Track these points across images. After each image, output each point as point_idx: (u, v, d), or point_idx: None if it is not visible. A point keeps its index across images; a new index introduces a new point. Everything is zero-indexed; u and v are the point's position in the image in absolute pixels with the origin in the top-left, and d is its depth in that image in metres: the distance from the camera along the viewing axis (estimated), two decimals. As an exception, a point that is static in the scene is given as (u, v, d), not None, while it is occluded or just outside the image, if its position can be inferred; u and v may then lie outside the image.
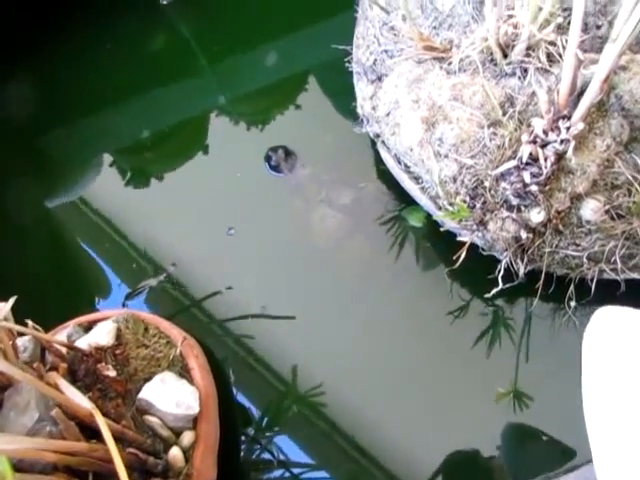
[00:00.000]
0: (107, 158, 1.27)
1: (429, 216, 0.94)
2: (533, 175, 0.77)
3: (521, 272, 0.83)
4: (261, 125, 1.24)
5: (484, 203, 0.82)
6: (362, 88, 0.96)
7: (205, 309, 1.06)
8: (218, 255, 1.10)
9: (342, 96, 1.15)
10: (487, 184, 0.81)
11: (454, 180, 0.83)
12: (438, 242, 0.94)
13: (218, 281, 1.07)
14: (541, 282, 0.83)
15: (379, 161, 1.04)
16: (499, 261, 0.85)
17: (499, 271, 0.84)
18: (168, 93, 1.29)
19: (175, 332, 0.89)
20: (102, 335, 0.85)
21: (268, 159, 1.17)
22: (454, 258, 0.85)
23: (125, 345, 0.85)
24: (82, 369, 0.77)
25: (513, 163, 0.78)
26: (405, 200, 1.02)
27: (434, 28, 0.93)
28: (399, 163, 0.92)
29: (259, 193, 1.13)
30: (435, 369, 0.94)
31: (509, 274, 0.84)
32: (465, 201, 0.82)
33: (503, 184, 0.79)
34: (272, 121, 1.24)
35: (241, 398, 0.99)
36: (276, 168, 1.15)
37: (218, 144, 1.23)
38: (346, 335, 0.99)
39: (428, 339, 0.96)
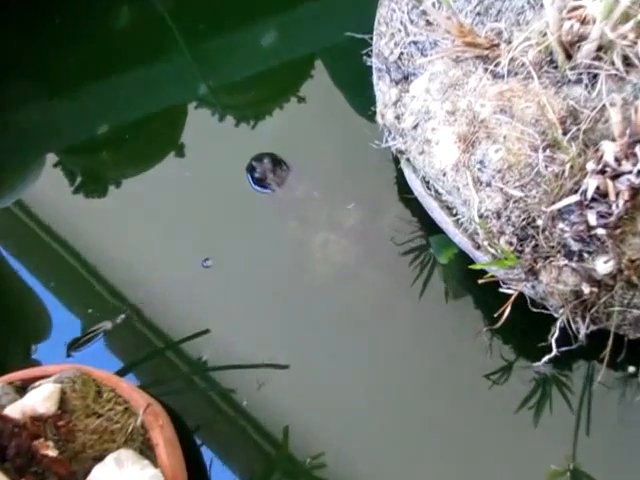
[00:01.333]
0: (51, 158, 1.25)
1: (463, 254, 0.93)
2: (600, 215, 0.75)
3: (582, 334, 0.82)
4: (252, 122, 1.23)
5: (535, 247, 0.80)
6: (383, 90, 0.94)
7: (175, 360, 1.05)
8: (192, 291, 1.09)
9: (357, 92, 1.13)
10: (540, 223, 0.79)
11: (498, 216, 0.81)
12: (474, 288, 0.92)
13: (192, 323, 1.06)
14: (609, 348, 0.82)
15: (402, 182, 1.04)
16: (553, 319, 0.83)
17: (553, 333, 0.83)
18: (134, 80, 1.28)
19: (136, 396, 0.88)
20: (40, 400, 0.83)
21: (251, 171, 1.16)
22: (495, 316, 0.83)
23: (71, 414, 0.84)
24: (13, 446, 0.75)
25: (575, 198, 0.77)
26: (433, 231, 1.01)
27: (478, 15, 0.92)
28: (428, 188, 0.91)
29: (243, 213, 1.12)
30: (470, 440, 0.93)
31: (565, 335, 0.83)
32: (511, 243, 0.81)
33: (561, 224, 0.78)
34: (265, 118, 1.23)
35: (219, 477, 0.97)
36: (260, 182, 1.15)
37: (196, 145, 1.22)
38: (354, 393, 0.99)
39: (460, 404, 0.96)
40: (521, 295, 0.85)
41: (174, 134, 1.24)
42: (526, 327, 0.89)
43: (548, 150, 0.80)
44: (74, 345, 1.06)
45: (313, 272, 1.07)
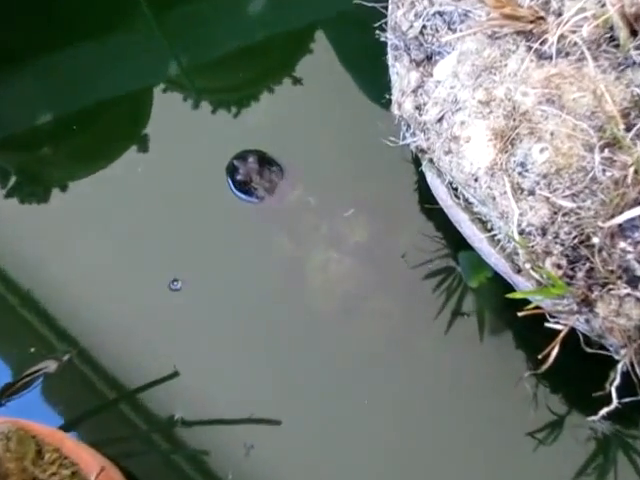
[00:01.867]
0: (-21, 153, 1.28)
1: (500, 279, 0.95)
2: (673, 231, 0.78)
3: (650, 380, 0.84)
4: (235, 110, 1.26)
5: (590, 271, 0.82)
6: (401, 73, 0.97)
7: (136, 412, 1.06)
8: (156, 322, 1.11)
9: (368, 75, 1.17)
10: (596, 241, 0.81)
11: (543, 232, 0.83)
12: (514, 322, 0.95)
13: (157, 364, 1.08)
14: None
15: (424, 189, 1.06)
16: (613, 362, 0.85)
17: (613, 379, 0.84)
18: (86, 56, 1.30)
19: (87, 457, 0.89)
20: (-34, 461, 0.85)
21: (232, 172, 1.18)
22: (540, 357, 0.85)
23: (3, 479, 0.85)
24: None
25: (640, 210, 0.79)
26: (462, 249, 1.04)
27: (519, -20, 0.94)
28: (456, 197, 0.93)
29: (221, 226, 1.14)
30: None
31: (629, 383, 0.85)
32: (560, 266, 0.83)
33: (622, 243, 0.80)
34: (251, 106, 1.25)
35: None
36: (244, 186, 1.17)
37: (163, 140, 1.25)
38: (367, 459, 1.00)
39: (500, 472, 0.98)
40: (572, 332, 0.87)
41: (135, 125, 1.27)
42: (579, 372, 0.92)
43: (606, 150, 0.82)
44: (6, 392, 1.07)
45: (310, 301, 1.09)
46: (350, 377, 1.04)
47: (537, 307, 0.86)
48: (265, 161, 1.17)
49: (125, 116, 1.29)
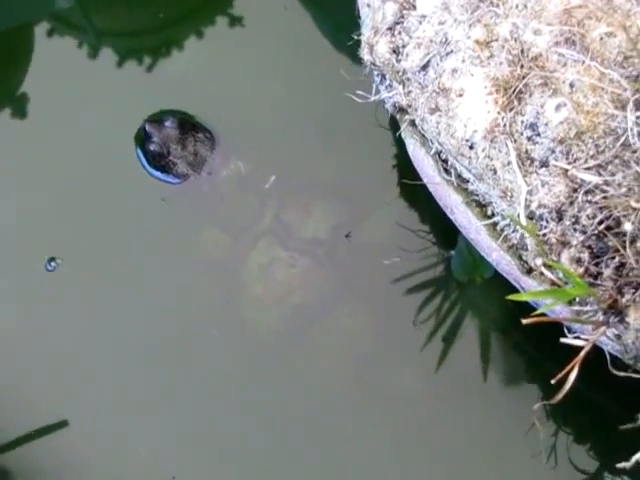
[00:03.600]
0: None
1: (503, 283, 0.98)
2: None
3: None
4: (148, 59, 1.28)
5: (620, 268, 0.85)
6: (374, 4, 0.99)
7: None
8: (38, 352, 1.14)
9: (330, 7, 1.21)
10: (629, 228, 0.83)
11: (559, 216, 0.86)
12: (520, 337, 0.99)
13: (40, 410, 1.10)
14: None
15: (403, 161, 1.10)
16: None
17: None
18: None
19: None
20: None
21: (143, 140, 1.20)
22: (553, 382, 0.89)
23: None
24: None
25: (686, 188, 0.83)
26: (454, 243, 1.08)
27: None
28: (446, 172, 0.97)
29: (126, 215, 1.17)
30: None
31: None
32: (581, 261, 0.86)
33: None
34: (171, 54, 1.28)
35: None
36: (160, 161, 1.20)
37: (48, 98, 1.27)
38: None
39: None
40: (597, 349, 0.91)
41: (7, 79, 1.30)
42: (603, 403, 0.96)
43: None
44: None
45: (247, 317, 1.12)
46: (301, 424, 1.07)
47: (542, 314, 0.88)
48: (188, 126, 1.20)
49: (-4, 66, 1.29)
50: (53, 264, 1.13)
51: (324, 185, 1.15)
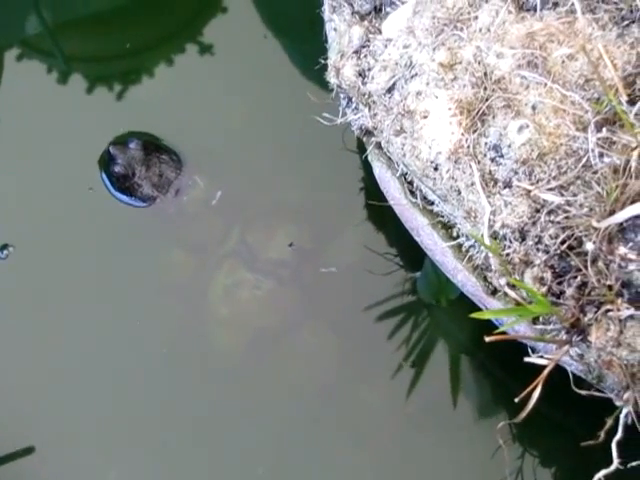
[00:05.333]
0: None
1: (470, 305, 0.98)
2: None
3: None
4: (118, 85, 1.29)
5: (582, 287, 0.85)
6: (340, 28, 1.01)
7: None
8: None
9: (298, 33, 1.22)
10: (590, 247, 0.84)
11: (522, 236, 0.87)
12: (487, 359, 0.99)
13: (4, 436, 1.10)
14: None
15: (369, 183, 1.11)
16: (613, 408, 0.88)
17: (610, 431, 0.87)
18: None
19: None
20: None
21: (108, 163, 1.20)
22: (517, 400, 0.88)
23: None
24: None
25: (646, 207, 0.83)
26: (419, 265, 1.09)
27: None
28: (412, 194, 0.97)
29: (91, 237, 1.18)
30: None
31: (635, 436, 0.87)
32: (544, 281, 0.86)
33: (623, 249, 0.82)
34: (140, 81, 1.29)
35: None
36: (124, 183, 1.20)
37: (15, 123, 1.27)
38: None
39: None
40: (561, 370, 0.91)
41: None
42: (567, 421, 0.97)
43: (604, 129, 0.86)
44: None
45: (212, 339, 1.12)
46: (265, 443, 1.07)
47: (503, 333, 0.88)
48: (153, 147, 1.20)
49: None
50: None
51: (290, 207, 1.16)
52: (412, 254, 1.06)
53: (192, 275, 1.13)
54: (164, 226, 1.16)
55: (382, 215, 1.08)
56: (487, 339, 0.84)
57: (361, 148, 1.08)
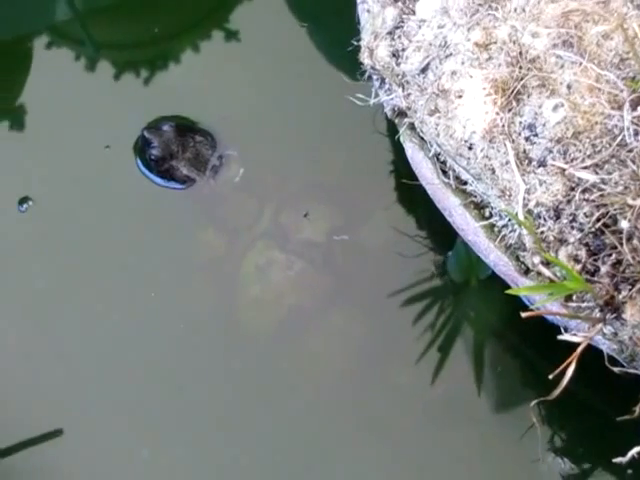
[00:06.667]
0: None
1: (502, 286, 0.97)
2: None
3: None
4: (145, 71, 1.30)
5: (617, 265, 0.85)
6: (374, 9, 1.00)
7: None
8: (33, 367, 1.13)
9: (329, 15, 1.22)
10: (625, 225, 0.84)
11: (556, 214, 0.87)
12: (517, 340, 0.98)
13: (35, 423, 1.10)
14: None
15: (401, 164, 1.10)
16: None
17: None
18: None
19: None
20: None
21: (144, 147, 1.21)
22: (550, 377, 0.88)
23: None
24: None
25: (683, 186, 0.83)
26: (452, 246, 1.09)
27: None
28: (444, 174, 0.97)
29: (126, 215, 1.19)
30: None
31: None
32: (578, 259, 0.86)
33: None
34: (168, 67, 1.30)
35: None
36: (162, 165, 1.20)
37: (46, 111, 1.28)
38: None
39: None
40: (591, 351, 0.90)
41: (8, 90, 1.30)
42: (600, 399, 0.96)
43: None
44: None
45: (243, 319, 1.12)
46: (291, 424, 1.07)
47: (536, 310, 0.89)
48: (186, 129, 1.20)
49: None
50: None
51: (322, 189, 1.16)
52: (442, 236, 1.06)
53: (225, 254, 1.13)
54: (198, 206, 1.16)
55: (413, 197, 1.08)
56: (523, 315, 0.85)
57: (392, 131, 1.08)
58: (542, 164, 0.90)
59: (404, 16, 1.01)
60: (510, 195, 0.91)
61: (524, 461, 1.04)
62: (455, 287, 1.11)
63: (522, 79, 0.91)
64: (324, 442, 1.08)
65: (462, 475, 1.06)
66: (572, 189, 0.88)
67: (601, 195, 0.86)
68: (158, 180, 1.19)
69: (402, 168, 1.08)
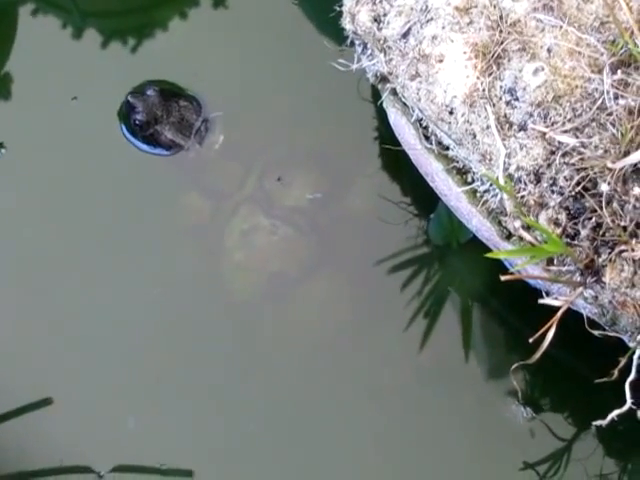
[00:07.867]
0: None
1: (482, 249, 0.97)
2: None
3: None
4: (132, 40, 1.29)
5: (597, 228, 0.85)
6: None
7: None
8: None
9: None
10: (605, 188, 0.84)
11: (537, 178, 0.87)
12: (499, 305, 0.99)
13: (24, 392, 1.10)
14: None
15: (384, 130, 1.10)
16: (625, 349, 0.89)
17: (623, 371, 0.88)
18: None
19: None
20: None
21: (128, 112, 1.21)
22: (530, 341, 0.88)
23: None
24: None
25: (662, 148, 0.83)
26: (433, 210, 1.09)
27: None
28: (427, 139, 0.97)
29: (109, 180, 1.18)
30: None
31: None
32: (558, 222, 0.86)
33: (637, 189, 0.82)
34: (154, 35, 1.29)
35: None
36: (146, 130, 1.20)
37: (32, 78, 1.27)
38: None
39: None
40: (572, 316, 0.91)
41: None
42: (580, 362, 0.97)
43: (619, 71, 0.85)
44: None
45: (227, 285, 1.12)
46: (283, 395, 1.08)
47: (512, 274, 0.88)
48: (171, 93, 1.20)
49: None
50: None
51: (307, 154, 1.16)
52: (425, 202, 1.06)
53: (209, 219, 1.13)
54: (182, 172, 1.16)
55: (396, 164, 1.08)
56: (503, 278, 0.85)
57: (376, 97, 1.07)
58: (522, 128, 0.89)
59: (386, -20, 1.00)
60: (491, 159, 0.91)
61: (508, 424, 1.05)
62: (438, 251, 1.11)
63: (502, 43, 0.91)
64: (310, 410, 1.08)
65: (449, 435, 1.07)
66: (552, 153, 0.88)
67: (581, 159, 0.86)
68: (143, 146, 1.18)
69: (386, 134, 1.08)
